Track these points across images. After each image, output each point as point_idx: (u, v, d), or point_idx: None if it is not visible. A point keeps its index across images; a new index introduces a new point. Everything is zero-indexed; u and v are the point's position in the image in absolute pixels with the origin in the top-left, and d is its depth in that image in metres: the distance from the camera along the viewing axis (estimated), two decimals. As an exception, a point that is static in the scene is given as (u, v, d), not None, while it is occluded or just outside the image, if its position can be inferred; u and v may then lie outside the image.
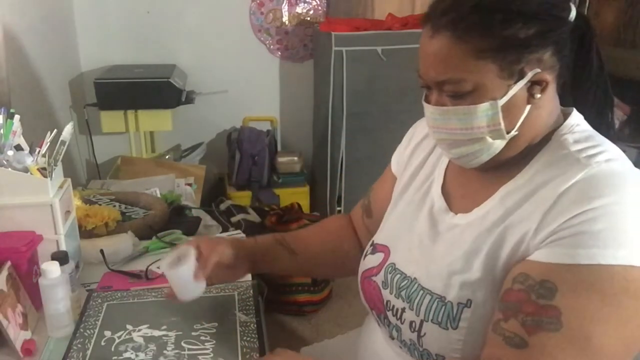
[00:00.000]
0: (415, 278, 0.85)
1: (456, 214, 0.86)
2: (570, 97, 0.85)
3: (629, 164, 0.77)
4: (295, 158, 2.97)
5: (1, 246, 1.03)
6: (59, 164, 1.15)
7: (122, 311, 1.08)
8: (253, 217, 2.46)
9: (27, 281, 1.05)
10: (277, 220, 2.52)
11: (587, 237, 0.68)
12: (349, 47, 2.60)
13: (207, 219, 1.66)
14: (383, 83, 2.64)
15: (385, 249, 0.94)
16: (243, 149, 2.82)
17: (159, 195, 1.72)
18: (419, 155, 0.99)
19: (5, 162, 1.09)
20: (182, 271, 0.97)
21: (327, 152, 2.80)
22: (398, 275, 0.88)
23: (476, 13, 0.74)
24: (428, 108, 0.81)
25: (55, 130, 1.16)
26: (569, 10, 0.77)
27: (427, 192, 0.93)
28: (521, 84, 0.75)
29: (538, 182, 0.76)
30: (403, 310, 0.86)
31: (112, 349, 0.96)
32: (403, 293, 0.86)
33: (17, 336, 0.96)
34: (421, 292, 0.83)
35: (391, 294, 0.88)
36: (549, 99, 0.79)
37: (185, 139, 2.98)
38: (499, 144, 0.78)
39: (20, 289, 1.03)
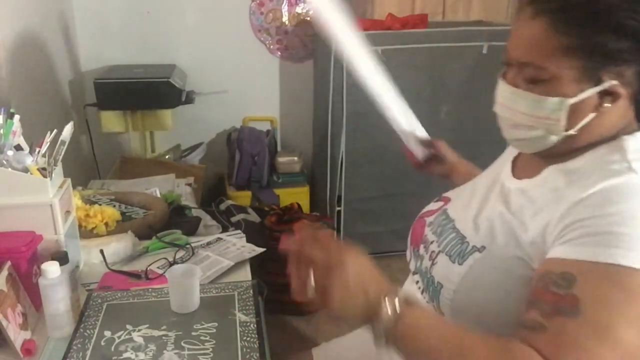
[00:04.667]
0: (453, 219, 0.95)
1: (517, 178, 0.90)
2: None
3: None
4: (295, 158, 2.97)
5: (1, 246, 1.03)
6: (59, 164, 1.15)
7: (122, 311, 1.08)
8: (253, 217, 2.46)
9: (27, 281, 1.05)
10: (277, 220, 2.52)
11: (610, 238, 0.69)
12: (349, 47, 2.59)
13: (207, 219, 1.66)
14: (383, 83, 2.63)
15: (446, 200, 1.04)
16: (243, 149, 2.82)
17: (159, 195, 1.72)
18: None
19: (5, 162, 1.09)
20: (185, 284, 1.06)
21: (327, 152, 2.80)
22: (443, 217, 0.98)
23: (580, 10, 0.75)
24: (502, 84, 0.84)
25: (55, 130, 1.16)
26: None
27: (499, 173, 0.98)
28: (595, 90, 0.76)
29: (580, 173, 0.79)
30: (432, 242, 0.95)
31: (112, 349, 0.96)
32: (439, 230, 0.96)
33: (17, 336, 0.96)
34: (451, 230, 0.93)
35: (430, 230, 0.99)
36: (617, 112, 0.79)
37: (185, 139, 2.98)
38: (554, 139, 0.81)
39: (20, 289, 1.03)
